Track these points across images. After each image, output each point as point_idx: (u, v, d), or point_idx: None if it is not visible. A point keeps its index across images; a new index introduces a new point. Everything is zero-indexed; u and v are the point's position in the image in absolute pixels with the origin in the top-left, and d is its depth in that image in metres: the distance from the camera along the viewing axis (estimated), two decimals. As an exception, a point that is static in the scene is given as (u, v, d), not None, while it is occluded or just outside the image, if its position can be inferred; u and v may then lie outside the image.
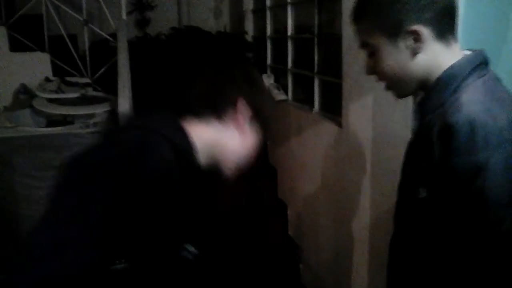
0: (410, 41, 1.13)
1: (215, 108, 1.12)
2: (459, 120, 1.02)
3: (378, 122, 2.34)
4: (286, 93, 4.05)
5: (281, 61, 4.18)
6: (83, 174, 0.94)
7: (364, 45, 1.21)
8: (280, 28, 4.28)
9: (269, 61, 4.59)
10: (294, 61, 3.97)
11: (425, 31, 1.12)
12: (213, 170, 1.17)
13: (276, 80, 4.37)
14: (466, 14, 1.63)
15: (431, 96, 1.16)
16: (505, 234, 1.01)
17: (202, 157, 1.11)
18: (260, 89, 1.20)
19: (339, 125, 2.82)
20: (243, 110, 1.12)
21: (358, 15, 1.21)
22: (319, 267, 3.32)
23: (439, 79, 1.14)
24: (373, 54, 1.20)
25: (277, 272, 3.59)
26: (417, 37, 1.12)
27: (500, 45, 1.67)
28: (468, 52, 1.18)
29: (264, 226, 3.83)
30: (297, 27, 3.92)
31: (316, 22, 3.35)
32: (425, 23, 1.12)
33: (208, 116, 1.12)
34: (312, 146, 3.34)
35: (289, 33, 3.95)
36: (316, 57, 3.37)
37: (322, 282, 3.26)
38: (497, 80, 1.14)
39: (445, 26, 1.15)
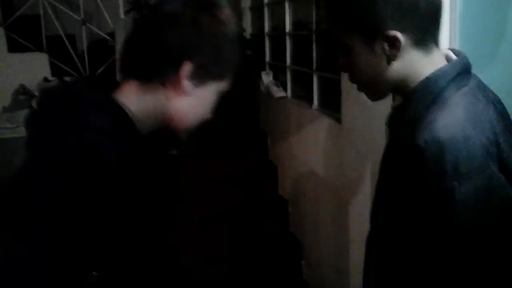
0: (386, 47, 1.06)
1: (159, 71, 1.06)
2: (427, 142, 0.96)
3: (377, 118, 2.34)
4: (285, 90, 4.05)
5: (279, 58, 4.18)
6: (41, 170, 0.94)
7: (338, 42, 1.14)
8: (278, 25, 4.28)
9: (267, 58, 4.58)
10: (292, 58, 3.97)
11: (402, 38, 1.04)
12: (167, 137, 1.15)
13: (275, 77, 4.37)
14: (463, 14, 1.63)
15: (406, 108, 1.10)
16: (471, 267, 0.97)
17: (149, 124, 1.08)
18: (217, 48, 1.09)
19: (339, 121, 2.83)
20: (188, 72, 1.05)
21: (334, 13, 1.14)
22: (321, 264, 3.33)
23: (414, 90, 1.08)
24: (347, 53, 1.12)
25: (279, 269, 3.59)
26: (394, 44, 1.05)
27: (497, 44, 1.66)
28: (451, 54, 1.13)
29: (265, 223, 3.83)
30: (295, 24, 3.91)
31: (314, 18, 3.35)
32: (404, 29, 1.04)
33: (152, 80, 1.06)
34: (312, 143, 3.34)
35: (287, 30, 3.94)
36: (314, 54, 3.37)
37: (324, 279, 3.26)
38: (479, 89, 1.07)
39: (426, 33, 1.08)
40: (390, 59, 1.07)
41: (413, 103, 1.08)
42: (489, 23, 1.48)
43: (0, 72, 3.91)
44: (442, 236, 0.97)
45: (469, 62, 1.11)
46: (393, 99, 1.27)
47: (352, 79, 1.17)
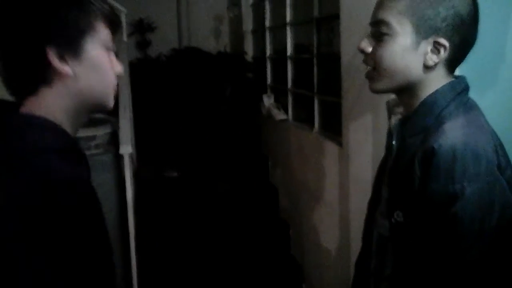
0: (429, 50, 1.08)
1: (34, 79, 0.97)
2: (441, 146, 1.01)
3: (378, 140, 2.34)
4: (287, 112, 4.07)
5: (281, 81, 4.20)
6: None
7: (379, 23, 1.11)
8: (279, 48, 4.32)
9: (269, 81, 4.62)
10: (294, 81, 3.99)
11: (446, 52, 1.08)
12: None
13: (276, 100, 4.40)
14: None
15: (414, 119, 1.14)
16: (470, 264, 1.01)
17: (76, 122, 1.02)
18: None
19: (339, 144, 2.83)
20: (56, 55, 0.96)
21: None
22: (322, 286, 3.30)
23: (423, 103, 1.12)
24: (382, 36, 1.10)
25: (280, 292, 3.57)
26: (438, 51, 1.08)
27: (497, 68, 1.67)
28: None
29: (266, 245, 3.82)
30: (296, 47, 3.95)
31: (315, 42, 3.38)
32: (450, 45, 1.08)
33: (38, 87, 0.98)
34: (313, 166, 3.34)
35: (288, 53, 3.98)
36: (315, 77, 3.40)
37: (325, 302, 3.23)
38: (476, 107, 1.13)
39: (459, 60, 1.14)
40: (426, 63, 1.09)
41: (421, 114, 1.12)
42: (489, 46, 1.49)
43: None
44: (446, 233, 1.02)
45: (467, 82, 1.16)
46: (389, 117, 1.29)
47: (370, 62, 1.14)
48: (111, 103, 1.05)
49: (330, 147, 2.99)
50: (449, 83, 1.12)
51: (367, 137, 2.42)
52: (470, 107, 1.11)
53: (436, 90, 1.11)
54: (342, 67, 2.71)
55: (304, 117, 3.74)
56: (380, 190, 1.28)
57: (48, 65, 0.95)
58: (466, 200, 0.99)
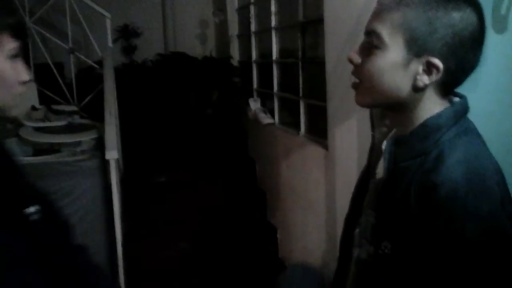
0: (420, 70, 1.00)
1: None
2: (443, 182, 0.94)
3: (363, 144, 2.36)
4: (273, 116, 4.08)
5: (267, 85, 4.22)
6: None
7: (370, 34, 1.02)
8: (265, 52, 4.34)
9: (255, 85, 4.63)
10: (279, 85, 4.01)
11: (439, 74, 0.99)
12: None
13: (262, 104, 4.41)
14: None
15: (411, 141, 1.04)
16: None
17: None
18: None
19: (325, 147, 2.85)
20: None
21: (397, 4, 1.01)
22: (310, 290, 3.31)
23: (423, 125, 1.03)
24: (372, 48, 1.02)
25: (268, 296, 3.57)
26: (430, 72, 0.99)
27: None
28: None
29: (254, 249, 3.82)
30: (282, 52, 3.97)
31: (300, 46, 3.40)
32: (445, 68, 0.99)
33: None
34: (300, 169, 3.35)
35: (274, 57, 3.99)
36: (301, 81, 3.42)
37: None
38: (475, 131, 1.06)
39: (454, 85, 1.05)
40: (416, 83, 1.00)
41: (420, 138, 1.03)
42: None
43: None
44: (444, 273, 0.97)
45: (468, 103, 1.08)
46: (372, 129, 1.22)
47: (358, 73, 1.06)
48: (12, 111, 1.07)
49: (317, 151, 3.01)
50: (452, 106, 1.04)
51: (352, 140, 2.45)
52: (470, 133, 1.03)
53: (439, 114, 1.02)
54: (326, 71, 2.73)
55: (290, 121, 3.76)
56: (360, 207, 1.19)
57: None
58: (466, 242, 0.93)
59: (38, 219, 1.05)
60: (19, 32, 1.02)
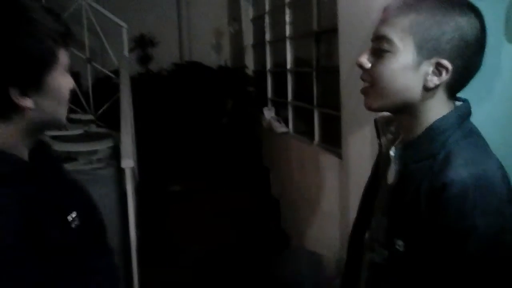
0: (430, 72, 1.04)
1: None
2: (453, 181, 0.98)
3: (377, 153, 2.36)
4: (287, 125, 4.09)
5: (281, 94, 4.23)
6: None
7: (380, 39, 1.06)
8: (279, 62, 4.36)
9: (269, 94, 4.65)
10: (294, 94, 4.02)
11: (448, 75, 1.04)
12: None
13: (277, 113, 4.42)
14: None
15: (419, 144, 1.08)
16: None
17: (28, 142, 1.03)
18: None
19: (339, 156, 2.85)
20: (18, 93, 0.95)
21: (405, 9, 1.05)
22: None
23: (430, 128, 1.07)
24: (383, 52, 1.05)
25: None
26: (439, 73, 1.04)
27: (492, 81, 1.69)
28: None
29: (268, 257, 3.81)
30: (296, 61, 3.98)
31: (314, 55, 3.41)
32: (453, 69, 1.03)
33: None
34: (313, 178, 3.35)
35: (288, 66, 4.01)
36: (315, 90, 3.43)
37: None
38: (478, 132, 1.10)
39: (461, 86, 1.09)
40: (426, 84, 1.04)
41: (427, 140, 1.07)
42: (484, 59, 1.52)
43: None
44: (457, 269, 1.00)
45: (470, 106, 1.12)
46: (378, 136, 1.24)
47: (367, 78, 1.09)
48: (64, 120, 1.06)
49: (330, 160, 3.01)
50: (456, 109, 1.09)
51: (366, 149, 2.44)
52: (474, 134, 1.08)
53: (444, 116, 1.06)
54: (340, 80, 2.74)
55: (304, 129, 3.77)
56: (369, 213, 1.23)
57: (9, 102, 0.94)
58: (477, 237, 0.96)
59: (80, 224, 1.07)
60: (70, 40, 1.03)
